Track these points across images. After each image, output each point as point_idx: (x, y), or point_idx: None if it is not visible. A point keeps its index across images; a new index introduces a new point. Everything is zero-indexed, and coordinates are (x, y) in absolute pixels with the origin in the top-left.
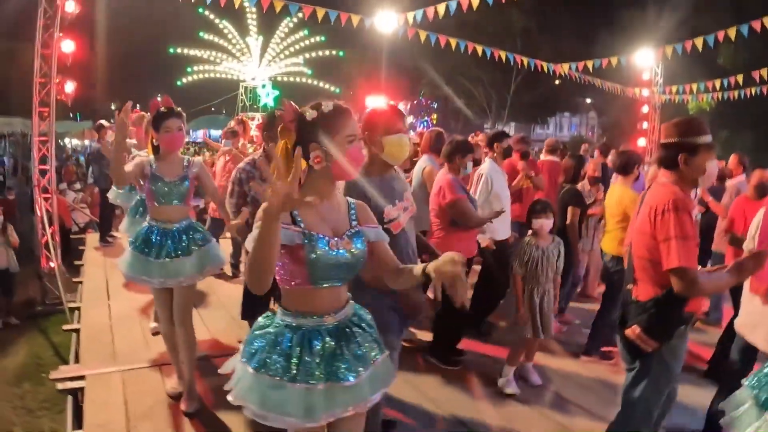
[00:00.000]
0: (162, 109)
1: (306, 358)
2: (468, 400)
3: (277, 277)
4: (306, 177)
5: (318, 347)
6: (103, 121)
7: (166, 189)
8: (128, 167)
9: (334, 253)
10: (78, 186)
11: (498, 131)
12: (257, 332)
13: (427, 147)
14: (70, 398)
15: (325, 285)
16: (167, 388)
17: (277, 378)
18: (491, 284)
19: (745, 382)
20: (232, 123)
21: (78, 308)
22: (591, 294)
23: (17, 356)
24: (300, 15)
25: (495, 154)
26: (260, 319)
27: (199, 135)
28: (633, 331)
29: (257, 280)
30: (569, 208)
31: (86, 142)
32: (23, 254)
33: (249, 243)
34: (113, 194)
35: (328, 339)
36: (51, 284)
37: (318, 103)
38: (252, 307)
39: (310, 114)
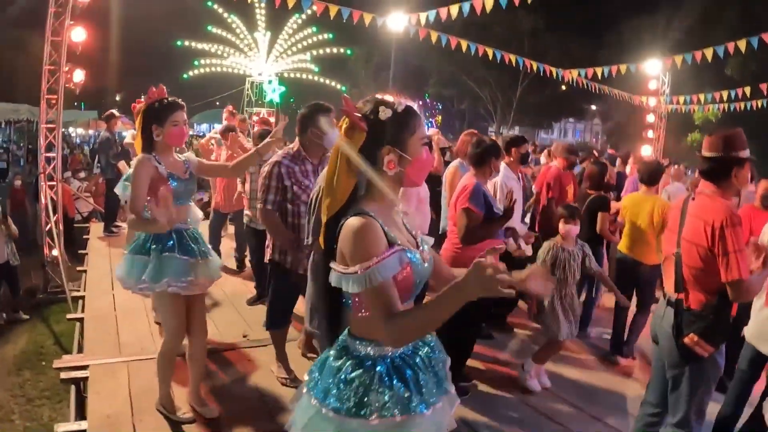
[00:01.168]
0: (166, 99)
1: (421, 379)
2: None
3: (355, 306)
4: (371, 183)
5: (420, 362)
6: (114, 111)
7: (181, 187)
8: (139, 183)
9: (424, 265)
10: (83, 175)
11: (516, 136)
12: (349, 376)
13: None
14: (73, 388)
15: (407, 304)
16: (180, 415)
17: (401, 416)
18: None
19: None
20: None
21: (82, 297)
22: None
23: (18, 344)
24: (310, 12)
25: (512, 160)
26: (331, 363)
27: (203, 129)
28: (691, 339)
29: (413, 338)
30: (600, 215)
31: (91, 131)
32: (25, 242)
33: (422, 324)
34: (120, 189)
35: (421, 352)
36: (53, 273)
37: (384, 100)
38: (284, 315)
39: (384, 113)
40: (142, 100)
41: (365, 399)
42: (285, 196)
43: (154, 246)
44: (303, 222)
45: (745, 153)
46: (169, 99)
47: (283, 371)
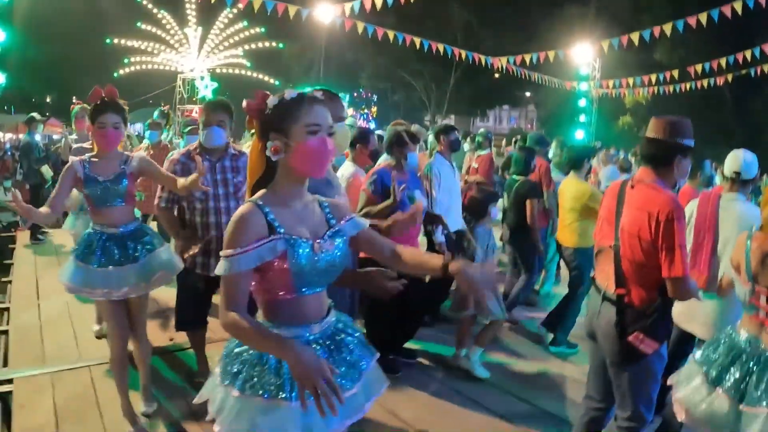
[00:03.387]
0: (101, 100)
1: None
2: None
3: (254, 290)
4: (275, 170)
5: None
6: (34, 114)
7: (101, 190)
8: (60, 188)
9: (318, 257)
10: (9, 182)
11: (446, 125)
12: (236, 350)
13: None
14: None
15: (308, 292)
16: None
17: (270, 398)
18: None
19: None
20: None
21: (7, 309)
22: None
23: None
24: (241, 6)
25: (442, 148)
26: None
27: (136, 128)
28: (636, 337)
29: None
30: (528, 201)
31: (21, 135)
32: None
33: (245, 338)
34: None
35: (317, 348)
36: None
37: (284, 90)
38: (194, 313)
39: (272, 101)
40: (77, 100)
41: (239, 372)
42: (172, 196)
43: (76, 253)
44: (211, 221)
45: (692, 142)
46: (105, 99)
47: (202, 375)
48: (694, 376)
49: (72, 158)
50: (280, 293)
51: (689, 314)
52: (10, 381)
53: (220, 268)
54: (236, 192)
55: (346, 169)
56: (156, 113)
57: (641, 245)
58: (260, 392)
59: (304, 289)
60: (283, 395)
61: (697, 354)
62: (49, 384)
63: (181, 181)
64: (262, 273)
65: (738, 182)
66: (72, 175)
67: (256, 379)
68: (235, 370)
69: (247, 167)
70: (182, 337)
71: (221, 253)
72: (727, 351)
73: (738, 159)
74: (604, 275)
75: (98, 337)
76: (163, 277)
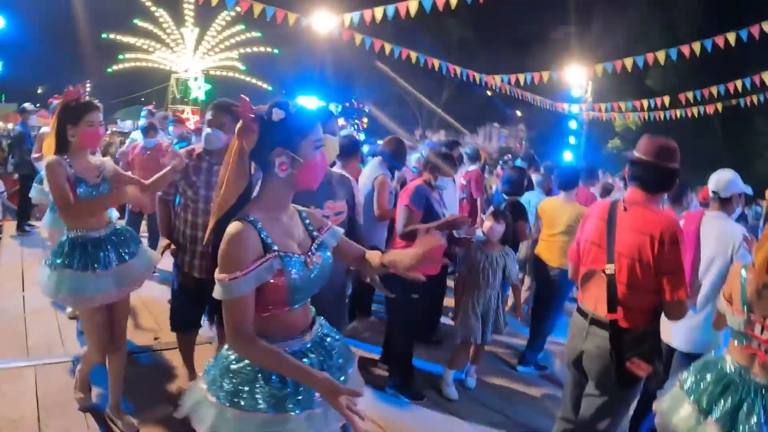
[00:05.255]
0: (82, 100)
1: (301, 385)
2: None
3: None
4: (262, 186)
5: (309, 364)
6: (27, 104)
7: (89, 193)
8: (63, 184)
9: (311, 272)
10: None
11: (449, 140)
12: (232, 366)
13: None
14: None
15: (298, 305)
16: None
17: (276, 413)
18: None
19: (678, 383)
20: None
21: None
22: None
23: None
24: (239, 9)
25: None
26: (223, 352)
27: (127, 125)
28: (633, 363)
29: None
30: (519, 222)
31: (11, 125)
32: None
33: (270, 363)
34: (35, 193)
35: (313, 356)
36: None
37: (281, 102)
38: (186, 315)
39: (277, 114)
40: (57, 96)
41: (241, 391)
42: (177, 192)
43: (57, 260)
44: (199, 221)
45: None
46: (85, 99)
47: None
48: (681, 403)
49: (54, 157)
50: (272, 309)
51: (667, 328)
52: None
53: (219, 293)
54: None
55: (374, 170)
56: (143, 113)
57: (640, 269)
58: (263, 407)
59: (295, 304)
60: (290, 406)
61: (685, 379)
62: (32, 375)
63: (151, 180)
64: (256, 291)
65: (717, 200)
66: (65, 172)
67: (259, 395)
68: (230, 387)
69: (221, 183)
70: (168, 337)
71: (218, 277)
72: (716, 380)
73: (716, 179)
74: (592, 299)
75: (72, 318)
76: (143, 277)
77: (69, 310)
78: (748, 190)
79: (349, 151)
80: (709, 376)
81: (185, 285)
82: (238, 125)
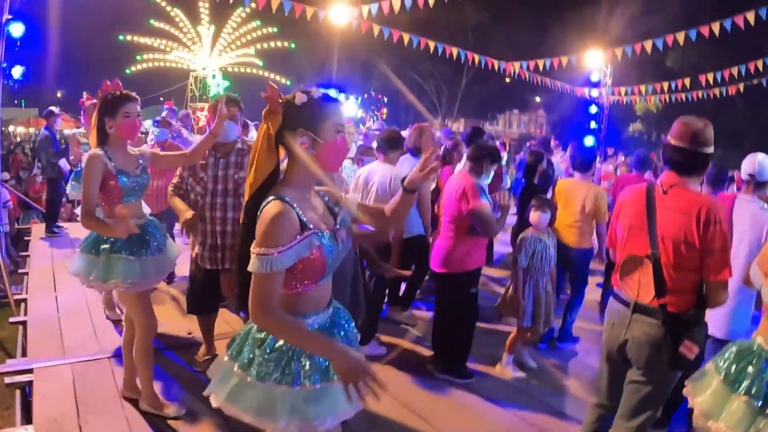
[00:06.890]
0: (119, 92)
1: None
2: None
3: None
4: (289, 167)
5: (338, 334)
6: (53, 108)
7: (132, 184)
8: (92, 185)
9: (338, 246)
10: (24, 176)
11: (474, 127)
12: (269, 346)
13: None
14: (18, 393)
15: (325, 281)
16: (168, 412)
17: (324, 382)
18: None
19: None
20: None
21: (24, 300)
22: None
23: None
24: (254, 5)
25: None
26: (255, 334)
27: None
28: (686, 346)
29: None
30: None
31: (32, 129)
32: None
33: (293, 337)
34: (70, 188)
35: (335, 330)
36: None
37: (307, 89)
38: (200, 301)
39: (300, 98)
40: (88, 96)
41: (287, 368)
42: (187, 186)
43: (104, 246)
44: (207, 214)
45: (712, 149)
46: (123, 91)
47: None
48: (710, 382)
49: (95, 150)
50: (306, 284)
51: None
52: (30, 371)
53: (255, 266)
54: (236, 189)
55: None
56: (164, 113)
57: (686, 249)
58: (308, 381)
59: (325, 279)
60: (327, 378)
61: (718, 360)
62: (69, 374)
63: (194, 146)
64: (289, 269)
65: (753, 184)
66: (102, 168)
67: (301, 371)
68: (270, 367)
69: (252, 163)
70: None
71: (256, 251)
72: (741, 355)
73: (753, 162)
74: (633, 285)
75: (113, 320)
76: (171, 267)
77: (108, 311)
78: None
79: (393, 145)
80: (735, 355)
81: (197, 275)
82: (266, 110)
